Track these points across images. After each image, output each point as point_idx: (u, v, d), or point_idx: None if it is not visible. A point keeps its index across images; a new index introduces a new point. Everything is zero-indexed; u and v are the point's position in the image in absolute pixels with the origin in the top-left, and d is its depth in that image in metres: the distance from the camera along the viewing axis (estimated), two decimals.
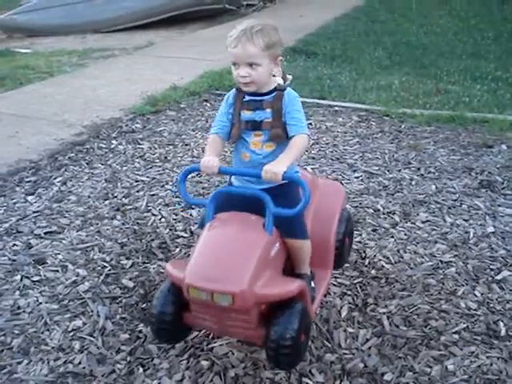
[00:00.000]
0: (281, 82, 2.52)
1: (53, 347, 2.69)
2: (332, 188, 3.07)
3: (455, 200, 3.96)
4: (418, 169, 4.47)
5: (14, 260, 3.37)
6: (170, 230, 3.66)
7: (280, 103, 2.43)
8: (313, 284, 2.66)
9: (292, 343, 2.17)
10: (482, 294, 2.99)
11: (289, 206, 2.32)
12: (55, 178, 4.45)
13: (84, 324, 2.84)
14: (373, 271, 3.20)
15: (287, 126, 2.42)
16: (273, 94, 2.45)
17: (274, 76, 2.47)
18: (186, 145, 5.07)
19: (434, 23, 10.55)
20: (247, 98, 2.47)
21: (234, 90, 2.54)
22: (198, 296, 2.17)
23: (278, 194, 2.38)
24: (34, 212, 3.91)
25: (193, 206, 3.89)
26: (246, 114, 2.47)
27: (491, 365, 2.52)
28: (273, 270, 2.32)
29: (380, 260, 3.29)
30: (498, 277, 3.13)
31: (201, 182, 4.26)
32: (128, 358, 2.61)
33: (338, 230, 2.85)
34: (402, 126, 5.42)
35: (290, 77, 2.64)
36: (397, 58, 8.03)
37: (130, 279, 3.17)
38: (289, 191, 2.45)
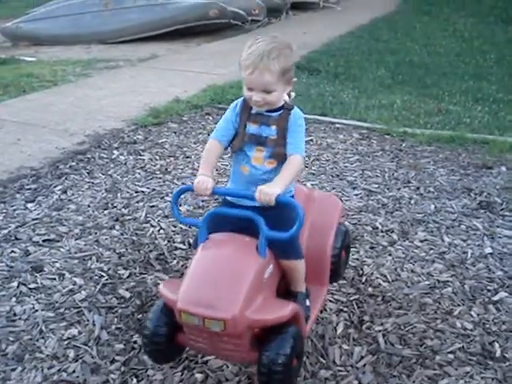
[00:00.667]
0: (286, 98, 2.50)
1: (47, 355, 2.69)
2: (328, 201, 3.01)
3: (454, 220, 3.97)
4: (418, 188, 4.48)
5: (12, 267, 3.37)
6: (169, 241, 3.67)
7: (286, 122, 2.42)
8: (308, 302, 2.63)
9: (283, 369, 2.15)
10: (478, 315, 2.99)
11: (283, 227, 2.28)
12: (55, 187, 4.46)
13: (79, 333, 2.84)
14: (369, 289, 3.20)
15: (286, 143, 2.41)
16: (280, 112, 2.44)
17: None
18: (187, 157, 5.08)
19: (437, 43, 10.62)
20: (254, 110, 2.46)
21: (241, 99, 2.51)
22: (190, 321, 2.17)
23: (272, 213, 2.34)
24: (33, 219, 3.92)
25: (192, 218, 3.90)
26: (252, 127, 2.45)
27: None
28: (266, 292, 2.31)
29: (377, 278, 3.29)
30: (495, 298, 3.13)
31: (201, 195, 4.26)
32: (122, 369, 2.61)
33: (335, 244, 2.82)
34: (403, 145, 5.44)
35: (293, 94, 2.61)
36: (399, 77, 8.08)
37: (127, 289, 3.18)
38: (284, 211, 2.36)
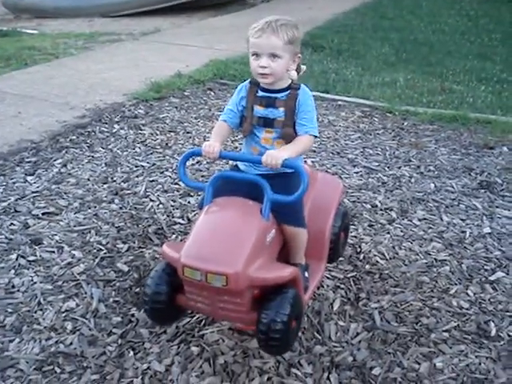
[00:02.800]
0: (294, 74, 2.52)
1: (45, 327, 2.71)
2: (330, 182, 3.07)
3: (453, 199, 3.96)
4: (418, 167, 4.48)
5: (11, 239, 3.39)
6: (168, 216, 3.67)
7: (293, 103, 2.45)
8: (306, 274, 2.66)
9: (282, 328, 2.17)
10: (474, 294, 3.00)
11: (287, 194, 2.32)
12: (55, 160, 4.46)
13: (77, 305, 2.86)
14: (367, 266, 3.21)
15: (297, 124, 2.46)
16: (286, 93, 2.47)
17: (287, 71, 2.47)
18: (188, 132, 5.07)
19: (443, 22, 10.52)
20: (260, 93, 2.50)
21: (247, 82, 2.55)
22: (192, 276, 2.18)
23: (277, 181, 2.39)
24: (32, 192, 3.93)
25: (191, 194, 3.90)
26: (259, 110, 2.49)
27: (480, 364, 2.53)
28: (267, 255, 2.33)
29: (375, 255, 3.30)
30: (492, 277, 3.14)
31: (200, 170, 4.27)
32: (119, 341, 2.63)
33: (334, 224, 2.85)
34: (405, 124, 5.42)
35: (303, 67, 2.62)
36: (403, 55, 8.02)
37: (125, 263, 3.19)
38: (288, 180, 2.45)
